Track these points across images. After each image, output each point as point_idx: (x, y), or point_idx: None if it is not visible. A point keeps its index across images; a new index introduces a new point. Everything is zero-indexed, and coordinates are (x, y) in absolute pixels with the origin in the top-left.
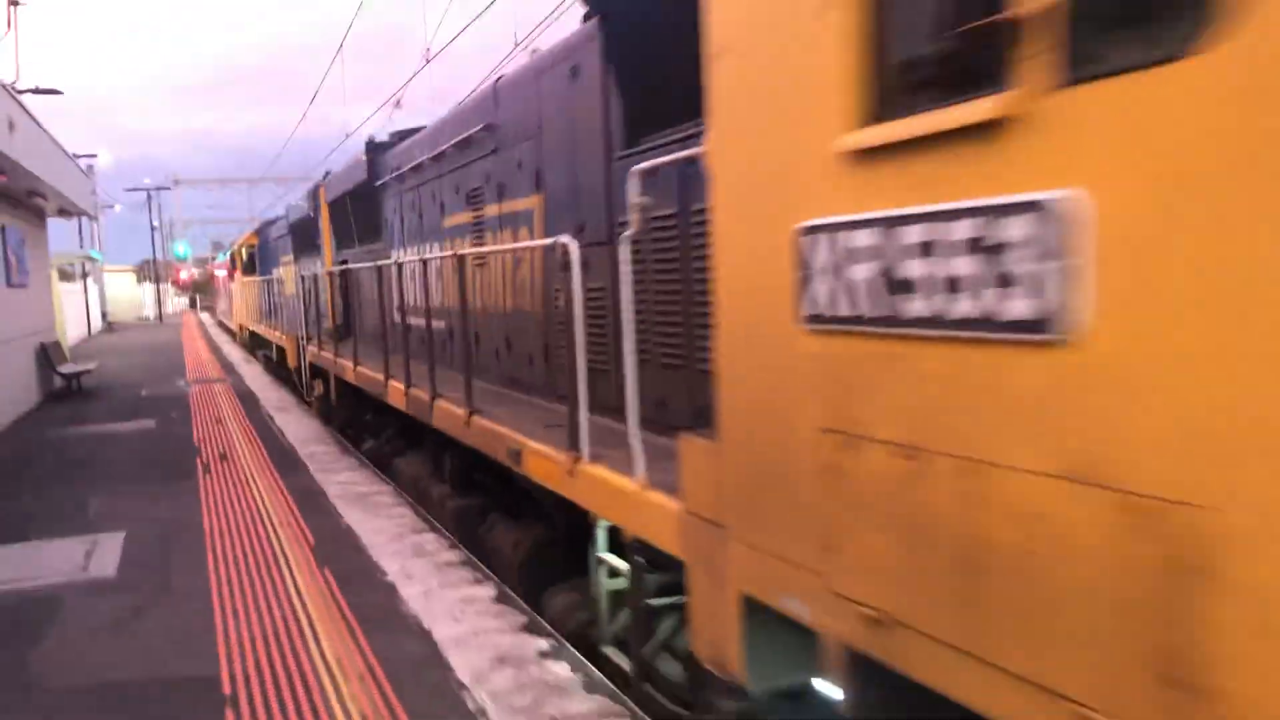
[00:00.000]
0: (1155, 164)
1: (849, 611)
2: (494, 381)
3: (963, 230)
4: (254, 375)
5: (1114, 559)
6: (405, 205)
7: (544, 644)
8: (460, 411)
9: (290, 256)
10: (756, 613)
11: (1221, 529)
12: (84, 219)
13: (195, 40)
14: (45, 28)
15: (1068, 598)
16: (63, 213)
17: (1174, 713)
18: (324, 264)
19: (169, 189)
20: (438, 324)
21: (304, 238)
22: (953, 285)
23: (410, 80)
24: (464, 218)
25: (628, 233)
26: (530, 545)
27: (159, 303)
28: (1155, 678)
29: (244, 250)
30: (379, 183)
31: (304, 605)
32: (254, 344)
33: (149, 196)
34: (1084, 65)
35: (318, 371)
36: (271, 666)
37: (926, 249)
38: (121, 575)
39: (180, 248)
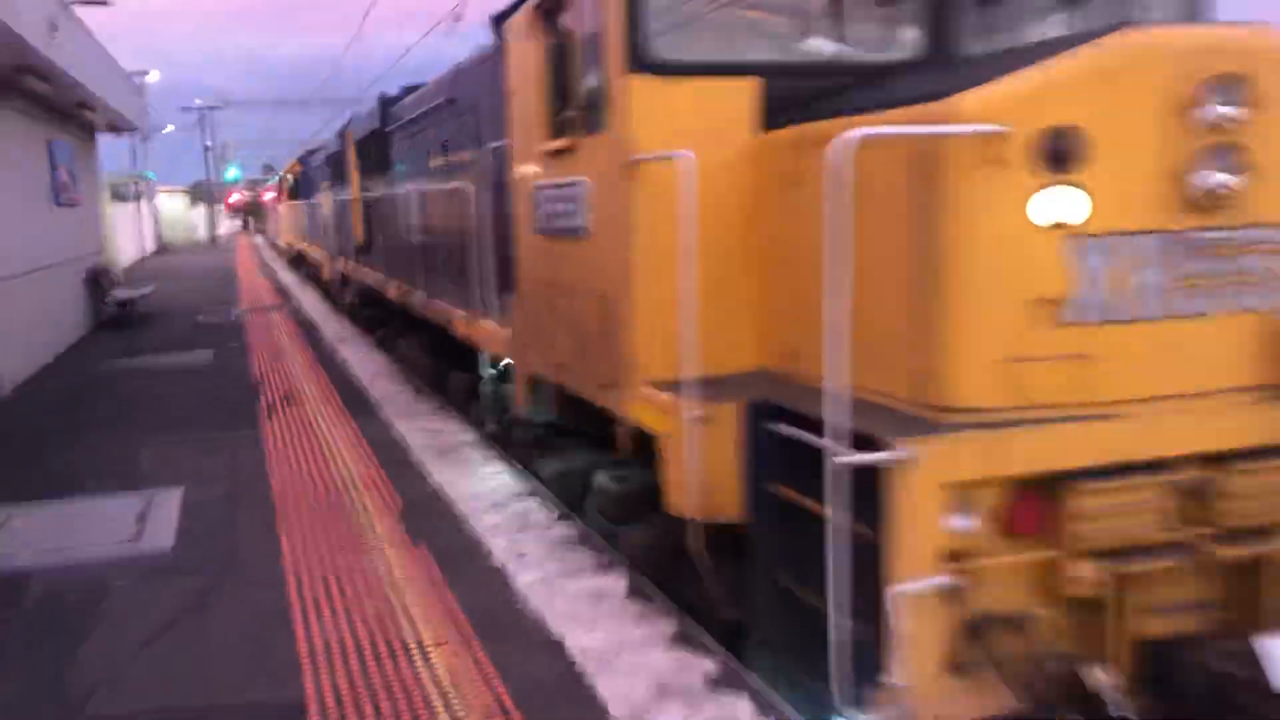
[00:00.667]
0: (600, 170)
1: (556, 367)
2: (445, 281)
3: (564, 190)
4: (311, 303)
5: (599, 321)
6: (405, 149)
7: (710, 665)
8: (422, 299)
9: (328, 184)
10: (535, 383)
11: (627, 308)
12: (136, 138)
13: None
14: None
15: (591, 340)
16: (113, 129)
17: (619, 371)
18: (350, 193)
19: (221, 109)
20: (416, 241)
21: (337, 169)
22: (564, 213)
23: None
24: (439, 162)
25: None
26: (466, 383)
27: (212, 225)
28: (612, 366)
29: (290, 176)
30: (388, 129)
31: (402, 599)
32: (299, 261)
33: (201, 116)
34: (581, 132)
35: (347, 280)
36: (371, 691)
37: (558, 196)
38: (179, 549)
39: (231, 171)
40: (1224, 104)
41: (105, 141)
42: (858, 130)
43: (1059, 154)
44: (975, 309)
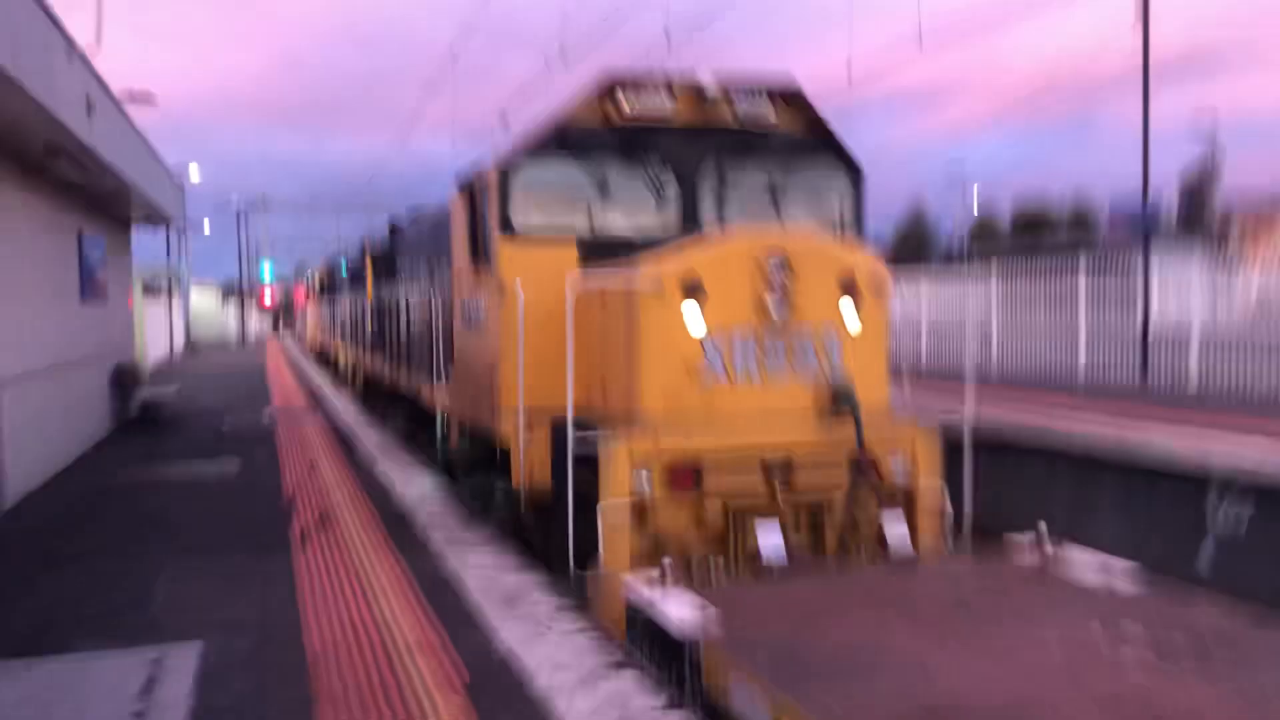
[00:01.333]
0: (488, 291)
1: (469, 411)
2: (419, 363)
3: (473, 303)
4: (346, 408)
5: (487, 379)
6: (405, 264)
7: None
8: (405, 377)
9: (348, 288)
10: (461, 426)
11: (498, 370)
12: (171, 233)
13: (292, 54)
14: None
15: (482, 391)
16: (150, 221)
17: (494, 407)
18: (366, 296)
19: (259, 210)
20: (405, 335)
21: (357, 276)
22: (474, 315)
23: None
24: (422, 277)
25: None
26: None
27: (243, 323)
28: (492, 405)
29: (318, 280)
30: (394, 248)
31: None
32: (323, 356)
33: (238, 214)
34: (482, 268)
35: (357, 368)
36: None
37: (471, 306)
38: None
39: (266, 268)
40: (776, 268)
41: (141, 234)
42: (582, 277)
43: (693, 289)
44: (651, 366)
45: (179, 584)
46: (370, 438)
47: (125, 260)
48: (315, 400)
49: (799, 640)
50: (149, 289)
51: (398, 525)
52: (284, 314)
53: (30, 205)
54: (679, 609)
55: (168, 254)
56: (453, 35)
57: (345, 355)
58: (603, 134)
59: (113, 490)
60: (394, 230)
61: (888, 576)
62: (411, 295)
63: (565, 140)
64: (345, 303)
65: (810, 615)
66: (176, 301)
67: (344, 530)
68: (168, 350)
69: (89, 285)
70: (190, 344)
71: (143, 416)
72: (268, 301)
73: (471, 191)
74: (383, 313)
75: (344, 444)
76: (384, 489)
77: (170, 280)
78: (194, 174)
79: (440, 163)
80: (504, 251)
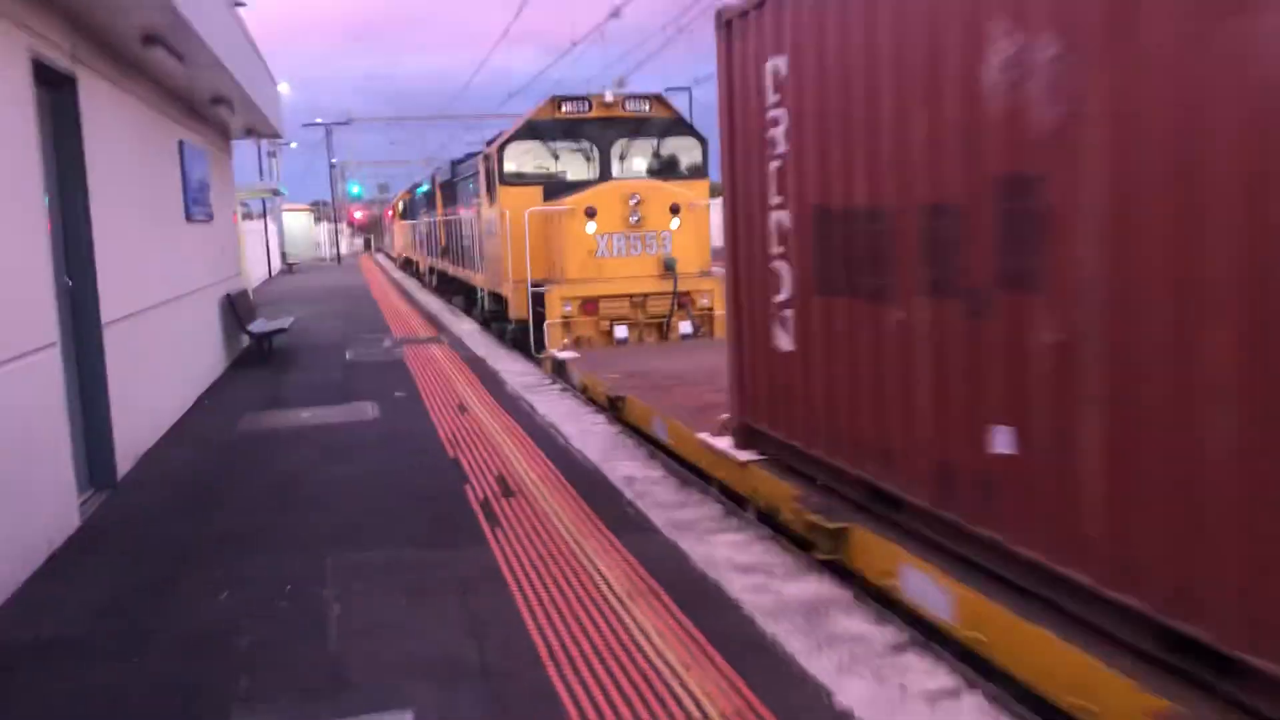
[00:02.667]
0: (497, 214)
1: (489, 281)
2: (469, 259)
3: (490, 221)
4: (468, 332)
5: (498, 264)
6: (460, 192)
7: (529, 364)
8: (461, 270)
9: (424, 211)
10: (488, 295)
11: (506, 258)
12: (264, 150)
13: None
14: None
15: (497, 270)
16: (252, 133)
17: (504, 278)
18: (437, 217)
19: (346, 125)
20: (460, 243)
21: (429, 201)
22: (490, 228)
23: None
24: (468, 201)
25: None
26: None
27: (336, 243)
28: (503, 277)
29: (400, 203)
30: (454, 179)
31: None
32: (408, 264)
33: (328, 132)
34: (493, 199)
35: (432, 270)
36: None
37: (490, 222)
38: None
39: (355, 187)
40: (635, 203)
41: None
42: (536, 208)
43: (591, 213)
44: (569, 252)
45: (352, 596)
46: (510, 367)
47: (228, 176)
48: (432, 322)
49: (608, 361)
50: (243, 209)
51: (591, 491)
52: (374, 233)
53: (126, 108)
54: (568, 355)
55: (260, 173)
56: None
57: (423, 261)
58: (553, 125)
59: (237, 447)
60: (453, 167)
61: (671, 346)
62: (462, 216)
63: (533, 130)
64: (422, 222)
65: (620, 356)
66: (272, 223)
67: (532, 499)
68: (266, 273)
69: (194, 202)
70: (288, 265)
71: (258, 350)
72: (357, 219)
73: (486, 156)
74: (447, 228)
75: (485, 378)
76: (550, 436)
77: (264, 201)
78: (284, 88)
79: (521, 76)
80: (502, 191)
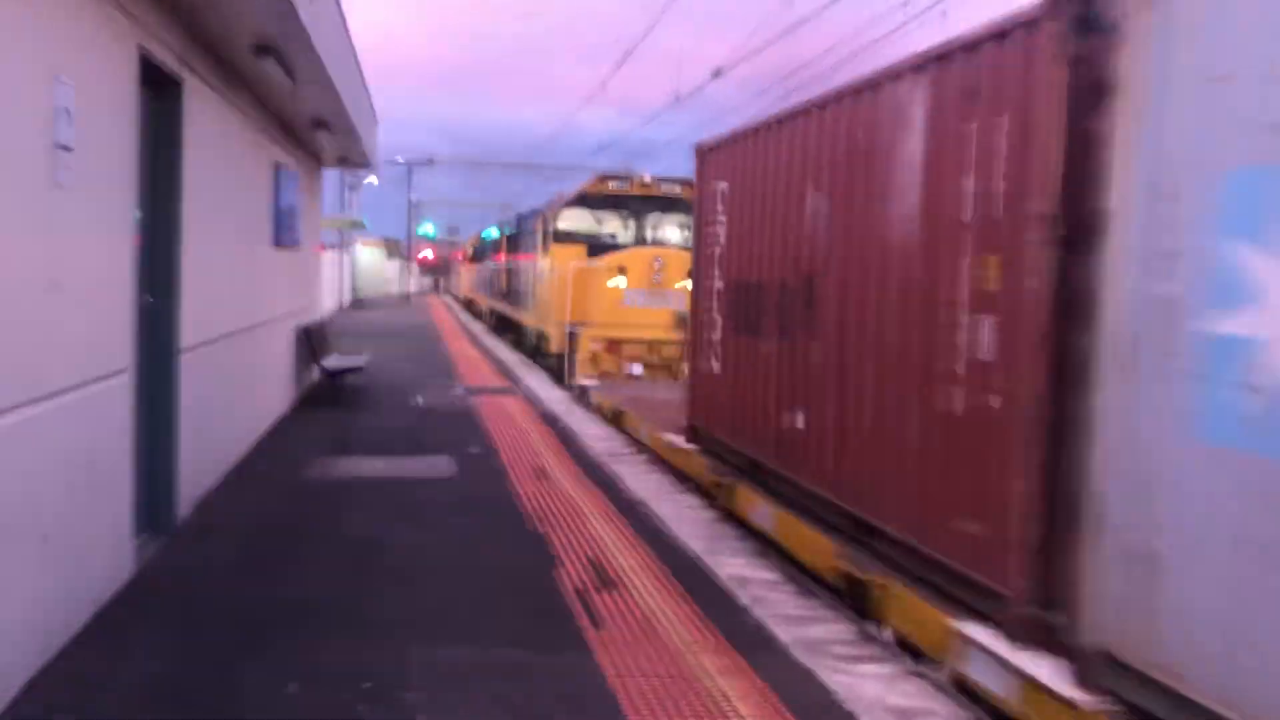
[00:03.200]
0: (549, 265)
1: (539, 321)
2: (521, 302)
3: (541, 269)
4: (542, 387)
5: (547, 306)
6: (521, 241)
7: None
8: (516, 311)
9: (490, 256)
10: (535, 332)
11: (555, 303)
12: (343, 181)
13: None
14: None
15: (548, 311)
16: (343, 163)
17: (551, 320)
18: (500, 262)
19: (428, 165)
20: (517, 286)
21: (495, 247)
22: (541, 275)
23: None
24: (526, 249)
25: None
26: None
27: (407, 281)
28: (549, 318)
29: (469, 247)
30: (519, 231)
31: None
32: (467, 304)
33: (409, 170)
34: (546, 252)
35: (492, 311)
36: None
37: (541, 270)
38: None
39: (429, 227)
40: (659, 266)
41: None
42: (579, 263)
43: (622, 270)
44: (600, 302)
45: (442, 709)
46: (588, 430)
47: (316, 204)
48: (502, 372)
49: (621, 390)
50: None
51: (699, 590)
52: (443, 274)
53: (228, 122)
54: (591, 383)
55: (342, 205)
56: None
57: (484, 302)
58: (600, 197)
59: (307, 496)
60: (518, 221)
61: (674, 384)
62: (521, 264)
63: (583, 199)
64: (487, 267)
65: (632, 387)
66: (346, 256)
67: (633, 593)
68: (336, 306)
69: (283, 228)
70: (358, 299)
71: (327, 387)
72: (427, 258)
73: (544, 216)
74: (508, 273)
75: (563, 439)
76: (642, 515)
77: (342, 234)
78: None
79: (597, 134)
80: (553, 247)
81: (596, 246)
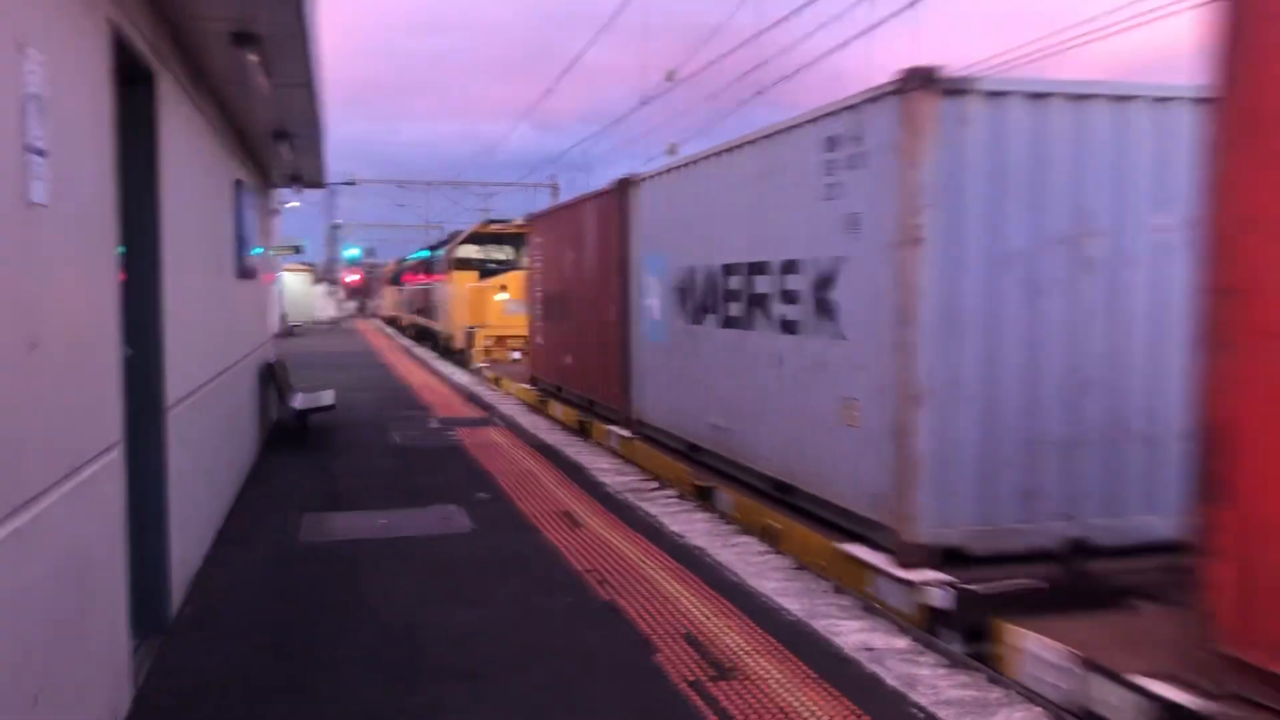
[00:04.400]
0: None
1: (442, 329)
2: (432, 314)
3: (439, 289)
4: (517, 411)
5: (446, 317)
6: (433, 268)
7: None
8: (430, 321)
9: (408, 279)
10: (442, 335)
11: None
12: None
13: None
14: None
15: (452, 321)
16: (295, 181)
17: (450, 326)
18: (418, 285)
19: (352, 184)
20: (428, 303)
21: (410, 272)
22: (443, 296)
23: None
24: (435, 275)
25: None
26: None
27: (338, 305)
28: (450, 324)
29: (389, 271)
30: (428, 259)
31: None
32: (391, 322)
33: (332, 193)
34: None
35: (412, 324)
36: None
37: (441, 291)
38: None
39: (352, 250)
40: (501, 294)
41: None
42: (474, 284)
43: (504, 288)
44: (485, 310)
45: None
46: (593, 462)
47: (269, 227)
48: (469, 399)
49: (505, 369)
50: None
51: (831, 671)
52: (365, 295)
53: (197, 130)
54: (485, 366)
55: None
56: (516, 19)
57: (405, 318)
58: (486, 235)
59: (311, 565)
60: (430, 251)
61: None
62: (434, 285)
63: (474, 238)
64: (407, 289)
65: (513, 366)
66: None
67: (760, 684)
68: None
69: (244, 254)
70: (289, 327)
71: (292, 429)
72: (354, 281)
73: (449, 249)
74: (425, 292)
75: (570, 473)
76: (710, 568)
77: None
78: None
79: (516, 150)
80: (455, 273)
81: (485, 271)
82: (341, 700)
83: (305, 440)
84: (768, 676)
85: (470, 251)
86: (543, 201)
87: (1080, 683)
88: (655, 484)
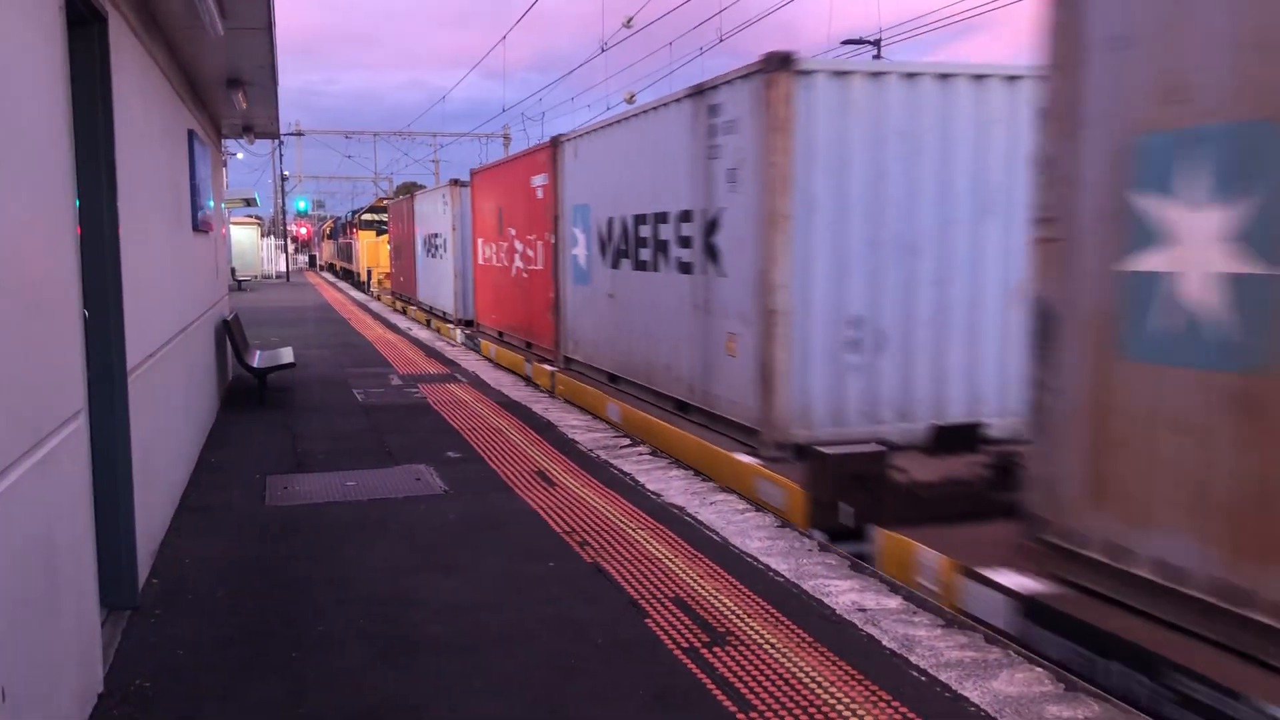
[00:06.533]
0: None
1: (356, 270)
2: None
3: (348, 242)
4: (481, 368)
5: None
6: (351, 227)
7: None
8: (348, 264)
9: (341, 235)
10: (363, 274)
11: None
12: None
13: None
14: None
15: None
16: (248, 131)
17: (360, 268)
18: (344, 240)
19: (300, 135)
20: (350, 253)
21: (346, 230)
22: (346, 248)
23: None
24: (353, 231)
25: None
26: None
27: (289, 259)
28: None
29: (326, 228)
30: (351, 220)
31: None
32: (328, 267)
33: (280, 144)
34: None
35: (343, 268)
36: None
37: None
38: None
39: (301, 203)
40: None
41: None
42: (372, 238)
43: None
44: (381, 256)
45: None
46: (563, 419)
47: (220, 179)
48: (431, 354)
49: (388, 293)
50: None
51: (828, 635)
52: (310, 248)
53: (150, 77)
54: (382, 291)
55: None
56: None
57: (337, 264)
58: (381, 207)
59: (281, 532)
60: (351, 215)
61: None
62: (352, 240)
63: (373, 209)
64: (337, 243)
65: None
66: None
67: (755, 649)
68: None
69: (199, 207)
70: (238, 282)
71: (251, 389)
72: (302, 234)
73: (357, 215)
74: (347, 246)
75: (541, 430)
76: (693, 529)
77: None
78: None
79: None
80: (360, 232)
81: (380, 231)
82: (332, 683)
83: (265, 399)
84: (764, 641)
85: (370, 218)
86: (496, 152)
87: (944, 584)
88: (627, 441)
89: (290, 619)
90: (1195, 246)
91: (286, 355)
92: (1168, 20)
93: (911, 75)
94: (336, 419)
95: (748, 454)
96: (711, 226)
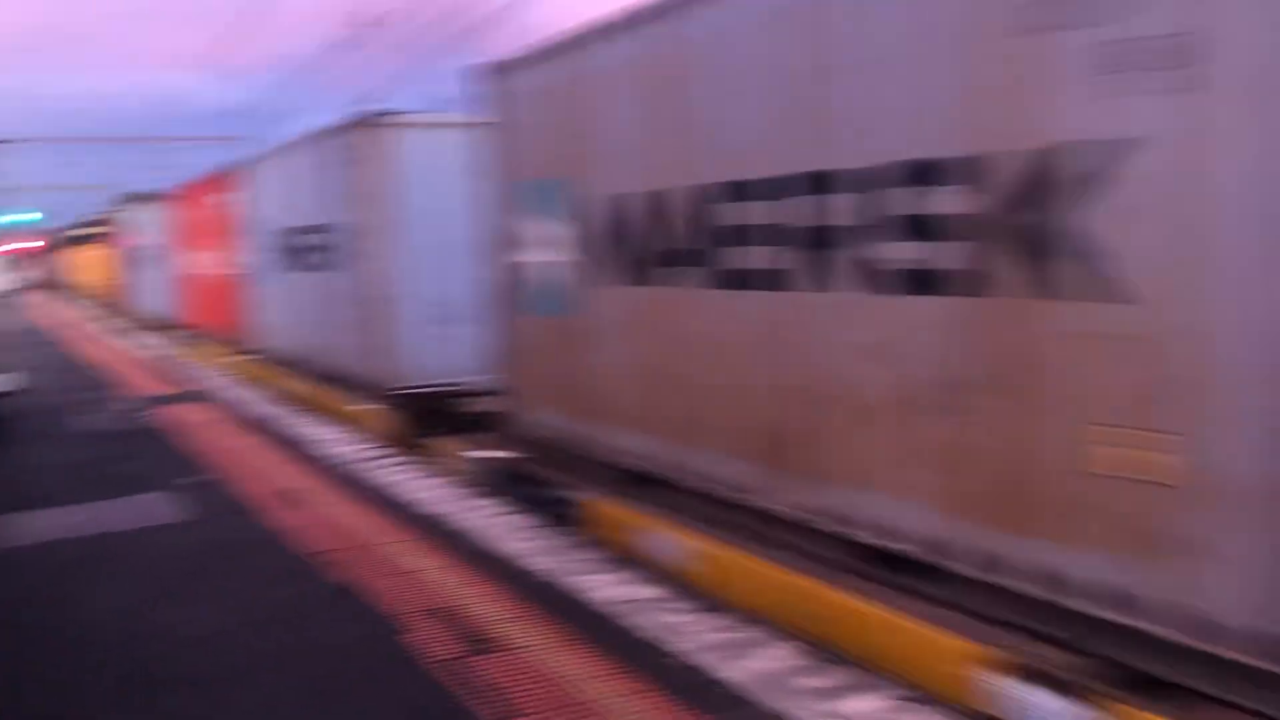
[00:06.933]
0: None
1: None
2: None
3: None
4: (221, 385)
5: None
6: (72, 242)
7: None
8: (71, 279)
9: (67, 248)
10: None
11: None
12: None
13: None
14: None
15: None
16: None
17: None
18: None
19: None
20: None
21: (76, 240)
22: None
23: None
24: (72, 246)
25: None
26: None
27: (19, 276)
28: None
29: (59, 240)
30: (71, 239)
31: None
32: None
33: None
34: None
35: (65, 284)
36: None
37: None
38: None
39: (34, 214)
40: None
41: None
42: (91, 252)
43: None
44: (102, 270)
45: None
46: (315, 433)
47: None
48: (165, 372)
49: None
50: None
51: (591, 630)
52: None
53: None
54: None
55: None
56: None
57: (64, 279)
58: (90, 224)
59: (3, 578)
60: (71, 233)
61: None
62: (75, 254)
63: (87, 225)
64: (68, 254)
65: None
66: None
67: (520, 653)
68: None
69: None
70: None
71: None
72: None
73: (78, 229)
74: (69, 258)
75: (287, 447)
76: (451, 532)
77: None
78: None
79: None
80: (79, 246)
81: (108, 241)
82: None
83: None
84: (527, 644)
85: (93, 230)
86: (236, 155)
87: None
88: (383, 451)
89: (24, 665)
90: (531, 247)
91: (6, 383)
92: (525, 126)
93: (440, 125)
94: (64, 448)
95: (368, 403)
96: (352, 235)
